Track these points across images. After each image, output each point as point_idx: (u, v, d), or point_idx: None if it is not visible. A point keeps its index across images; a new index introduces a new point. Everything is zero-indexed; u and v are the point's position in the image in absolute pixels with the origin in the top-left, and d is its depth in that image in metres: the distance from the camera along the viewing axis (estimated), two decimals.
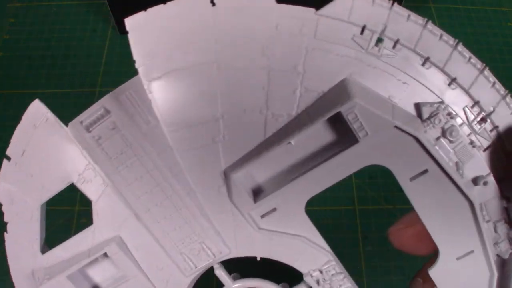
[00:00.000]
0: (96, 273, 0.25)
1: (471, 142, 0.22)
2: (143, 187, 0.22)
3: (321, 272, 0.25)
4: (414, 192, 0.23)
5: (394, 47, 0.21)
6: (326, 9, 0.20)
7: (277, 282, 0.28)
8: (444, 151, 0.22)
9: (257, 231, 0.23)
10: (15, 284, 0.25)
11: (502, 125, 0.22)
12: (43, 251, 0.24)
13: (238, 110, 0.21)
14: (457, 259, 0.24)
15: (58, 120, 0.22)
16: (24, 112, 0.22)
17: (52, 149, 0.22)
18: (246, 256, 0.25)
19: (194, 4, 0.20)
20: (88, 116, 0.21)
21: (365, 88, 0.21)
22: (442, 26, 0.74)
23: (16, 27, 0.66)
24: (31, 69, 0.62)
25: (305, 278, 0.26)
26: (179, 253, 0.24)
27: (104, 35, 0.65)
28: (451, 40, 0.22)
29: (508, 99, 0.22)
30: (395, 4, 0.21)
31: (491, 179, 0.22)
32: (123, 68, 0.61)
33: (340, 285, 0.26)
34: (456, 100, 0.22)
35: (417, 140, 0.21)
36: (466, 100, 0.22)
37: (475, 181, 0.22)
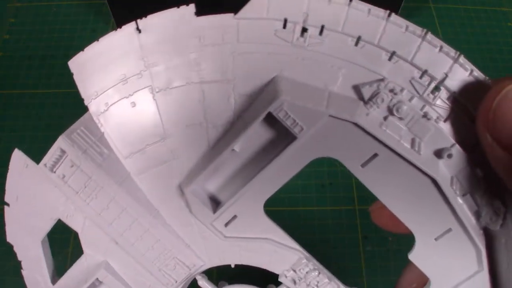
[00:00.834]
0: None
1: (425, 115, 0.20)
2: (111, 215, 0.24)
3: (294, 271, 0.25)
4: (368, 178, 0.22)
5: (320, 33, 0.20)
6: (244, 11, 0.20)
7: (270, 282, 0.28)
8: (394, 130, 0.20)
9: (224, 240, 0.24)
10: None
11: (460, 89, 0.20)
12: (53, 281, 0.27)
13: (180, 127, 0.22)
14: (436, 239, 0.22)
15: (35, 164, 0.23)
16: (10, 161, 0.24)
17: (37, 191, 0.24)
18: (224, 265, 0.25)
19: (123, 35, 0.21)
20: (49, 159, 0.23)
21: (296, 83, 0.21)
22: (442, 26, 0.74)
23: (16, 27, 0.66)
24: (31, 69, 0.62)
25: (280, 279, 0.26)
26: (158, 270, 0.25)
27: (104, 35, 0.65)
28: (382, 13, 0.20)
29: (461, 60, 0.20)
30: None
31: (456, 149, 0.21)
32: None
33: (318, 282, 0.26)
34: (400, 74, 0.20)
35: (358, 125, 0.20)
36: (413, 72, 0.20)
37: (439, 154, 0.21)
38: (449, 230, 0.22)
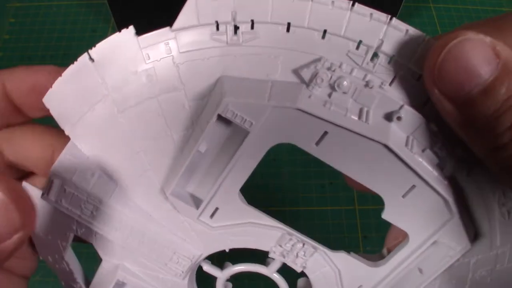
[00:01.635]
0: None
1: (368, 84, 0.21)
2: (112, 226, 0.26)
3: (280, 246, 0.27)
4: (325, 155, 0.22)
5: (252, 27, 0.21)
6: (178, 22, 0.21)
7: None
8: (340, 105, 0.21)
9: (212, 230, 0.26)
10: None
11: (399, 51, 0.20)
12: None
13: (149, 140, 0.23)
14: (403, 197, 0.23)
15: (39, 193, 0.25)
16: None
17: (50, 216, 0.26)
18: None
19: (79, 67, 0.22)
20: (45, 189, 0.24)
21: (239, 80, 0.21)
22: (442, 26, 0.74)
23: (16, 27, 0.66)
24: None
25: (270, 256, 0.27)
26: (164, 265, 0.28)
27: (104, 35, 0.65)
28: None
29: (394, 22, 0.20)
30: None
31: (406, 110, 0.21)
32: None
33: (304, 252, 0.27)
34: (336, 50, 0.21)
35: (301, 110, 0.21)
36: (348, 45, 0.21)
37: (389, 118, 0.21)
38: (413, 186, 0.22)
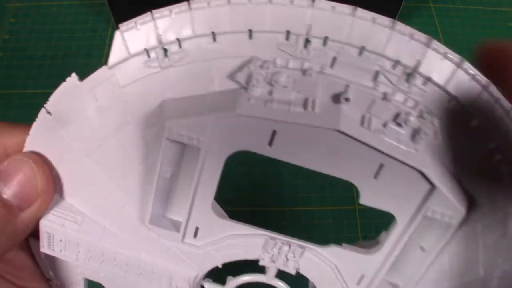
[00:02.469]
0: None
1: (305, 72, 0.20)
2: (109, 264, 0.27)
3: (267, 252, 0.26)
4: (280, 154, 0.22)
5: (180, 46, 0.21)
6: (111, 59, 0.21)
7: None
8: (282, 101, 0.20)
9: (199, 249, 0.26)
10: None
11: (330, 31, 0.20)
12: None
13: (119, 177, 0.25)
14: (375, 178, 0.22)
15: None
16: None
17: (60, 265, 0.29)
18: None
19: (40, 121, 0.24)
20: (43, 241, 0.26)
21: (179, 100, 0.22)
22: (442, 26, 0.74)
23: (16, 27, 0.66)
24: (31, 69, 0.62)
25: (260, 264, 0.27)
26: None
27: (104, 35, 0.65)
28: (222, 1, 0.20)
29: (317, 3, 0.20)
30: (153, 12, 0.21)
31: (354, 89, 0.20)
32: None
33: (293, 253, 0.26)
34: (266, 46, 0.20)
35: (242, 115, 0.20)
36: (277, 37, 0.20)
37: (336, 100, 0.21)
38: (382, 165, 0.22)
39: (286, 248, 0.26)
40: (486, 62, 0.21)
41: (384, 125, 0.21)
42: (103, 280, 0.28)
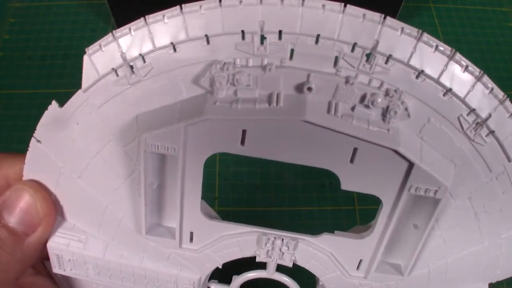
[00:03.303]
0: None
1: (265, 68, 0.20)
2: (117, 277, 0.28)
3: (262, 248, 0.27)
4: (255, 151, 0.22)
5: (144, 61, 0.21)
6: (84, 83, 0.22)
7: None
8: (247, 100, 0.21)
9: (197, 252, 0.27)
10: None
11: (283, 25, 0.20)
12: None
13: (110, 192, 0.25)
14: (351, 162, 0.22)
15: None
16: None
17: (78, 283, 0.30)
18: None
19: (32, 150, 0.25)
20: (54, 263, 0.28)
21: (151, 113, 0.23)
22: (442, 26, 0.74)
23: (16, 27, 0.66)
24: (31, 69, 0.62)
25: (257, 260, 0.28)
26: None
27: (104, 35, 0.64)
28: (176, 11, 0.21)
29: (261, 7, 0.20)
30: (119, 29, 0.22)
31: (316, 76, 0.20)
32: None
33: (287, 246, 0.26)
34: (223, 47, 0.21)
35: (210, 119, 0.21)
36: (233, 38, 0.21)
37: (300, 91, 0.21)
38: (356, 149, 0.22)
39: (279, 242, 0.26)
40: None
41: (352, 108, 0.21)
42: None
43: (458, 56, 0.20)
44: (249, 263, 0.28)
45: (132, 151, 0.24)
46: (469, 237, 0.25)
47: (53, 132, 0.24)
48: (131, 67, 0.22)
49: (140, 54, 0.21)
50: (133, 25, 0.21)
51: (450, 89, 0.21)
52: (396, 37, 0.20)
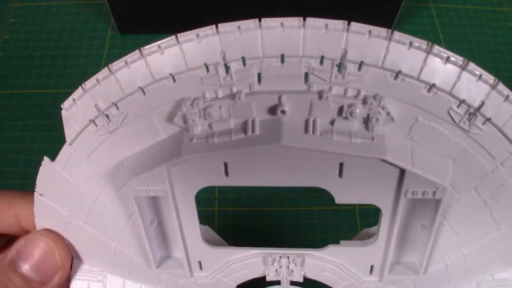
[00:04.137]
0: None
1: (233, 97, 0.20)
2: None
3: (270, 267, 0.27)
4: (241, 180, 0.22)
5: (117, 108, 0.22)
6: (67, 137, 0.23)
7: None
8: (222, 132, 0.21)
9: (209, 279, 0.27)
10: None
11: (240, 50, 0.19)
12: None
13: (116, 232, 0.26)
14: (340, 177, 0.22)
15: None
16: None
17: None
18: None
19: (37, 203, 0.25)
20: None
21: (135, 157, 0.23)
22: (442, 26, 0.74)
23: (16, 27, 0.66)
24: (31, 69, 0.62)
25: (268, 280, 0.28)
26: None
27: (104, 35, 0.65)
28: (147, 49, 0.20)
29: (221, 28, 0.19)
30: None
31: (287, 98, 0.20)
32: None
33: (295, 263, 0.26)
34: (191, 82, 0.20)
35: (189, 158, 0.21)
36: (197, 73, 0.20)
37: (274, 113, 0.20)
38: (342, 164, 0.21)
39: (285, 260, 0.26)
40: None
41: (332, 123, 0.20)
42: None
43: (436, 48, 0.19)
44: (263, 280, 0.29)
45: (125, 194, 0.24)
46: (483, 226, 0.24)
47: (52, 185, 0.24)
48: (107, 116, 0.22)
49: (113, 103, 0.21)
50: (99, 74, 0.21)
51: (433, 84, 0.20)
52: (365, 41, 0.19)
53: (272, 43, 0.19)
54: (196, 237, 0.25)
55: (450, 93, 0.20)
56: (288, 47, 0.19)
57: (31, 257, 0.25)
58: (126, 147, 0.23)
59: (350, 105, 0.20)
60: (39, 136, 0.56)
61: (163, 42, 0.20)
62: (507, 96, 0.20)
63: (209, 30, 0.20)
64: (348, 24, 0.19)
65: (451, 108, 0.20)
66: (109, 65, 0.21)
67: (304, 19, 0.19)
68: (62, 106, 0.22)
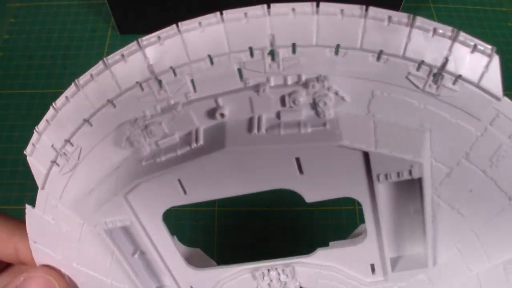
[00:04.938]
0: None
1: (171, 108, 0.19)
2: None
3: (261, 282, 0.26)
4: (199, 195, 0.21)
5: (72, 144, 0.21)
6: (38, 182, 0.23)
7: None
8: (169, 148, 0.20)
9: None
10: None
11: (176, 60, 0.18)
12: None
13: (106, 270, 0.25)
14: (301, 173, 0.20)
15: None
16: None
17: None
18: None
19: (33, 247, 0.25)
20: None
21: (96, 190, 0.23)
22: None
23: (16, 27, 0.66)
24: (31, 69, 0.62)
25: None
26: None
27: (104, 35, 0.65)
28: (118, 56, 0.19)
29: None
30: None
31: (224, 100, 0.19)
32: None
33: (286, 274, 0.25)
34: (131, 104, 0.20)
35: (141, 182, 0.21)
36: (134, 92, 0.19)
37: (212, 117, 0.19)
38: (298, 158, 0.19)
39: (274, 273, 0.25)
40: None
41: (278, 116, 0.19)
42: None
43: (372, 11, 0.17)
44: None
45: (101, 231, 0.23)
46: (490, 198, 0.21)
47: (41, 231, 0.24)
48: (65, 154, 0.21)
49: (66, 140, 0.21)
50: (48, 115, 0.21)
51: (381, 51, 0.17)
52: (291, 22, 0.17)
53: (194, 46, 0.18)
54: (178, 262, 0.25)
55: (403, 57, 0.17)
56: (213, 47, 0.18)
57: None
58: (90, 181, 0.22)
59: (291, 93, 0.18)
60: None
61: (93, 69, 0.20)
62: (475, 46, 0.17)
63: (134, 46, 0.19)
64: (268, 7, 0.17)
65: (409, 73, 0.18)
66: (54, 103, 0.21)
67: (221, 13, 0.18)
68: (24, 153, 0.22)
